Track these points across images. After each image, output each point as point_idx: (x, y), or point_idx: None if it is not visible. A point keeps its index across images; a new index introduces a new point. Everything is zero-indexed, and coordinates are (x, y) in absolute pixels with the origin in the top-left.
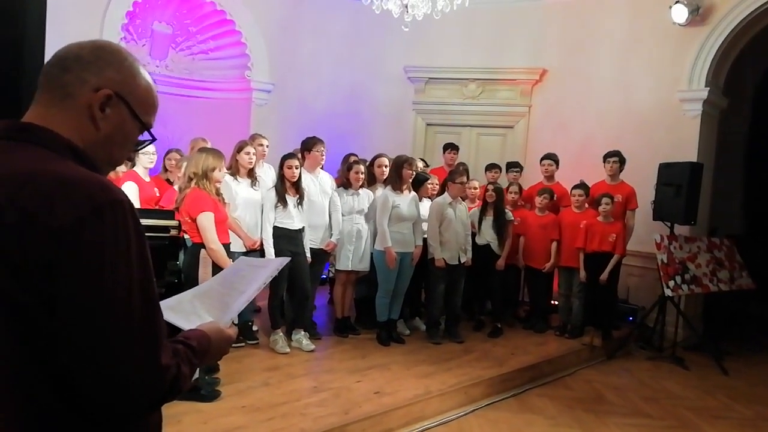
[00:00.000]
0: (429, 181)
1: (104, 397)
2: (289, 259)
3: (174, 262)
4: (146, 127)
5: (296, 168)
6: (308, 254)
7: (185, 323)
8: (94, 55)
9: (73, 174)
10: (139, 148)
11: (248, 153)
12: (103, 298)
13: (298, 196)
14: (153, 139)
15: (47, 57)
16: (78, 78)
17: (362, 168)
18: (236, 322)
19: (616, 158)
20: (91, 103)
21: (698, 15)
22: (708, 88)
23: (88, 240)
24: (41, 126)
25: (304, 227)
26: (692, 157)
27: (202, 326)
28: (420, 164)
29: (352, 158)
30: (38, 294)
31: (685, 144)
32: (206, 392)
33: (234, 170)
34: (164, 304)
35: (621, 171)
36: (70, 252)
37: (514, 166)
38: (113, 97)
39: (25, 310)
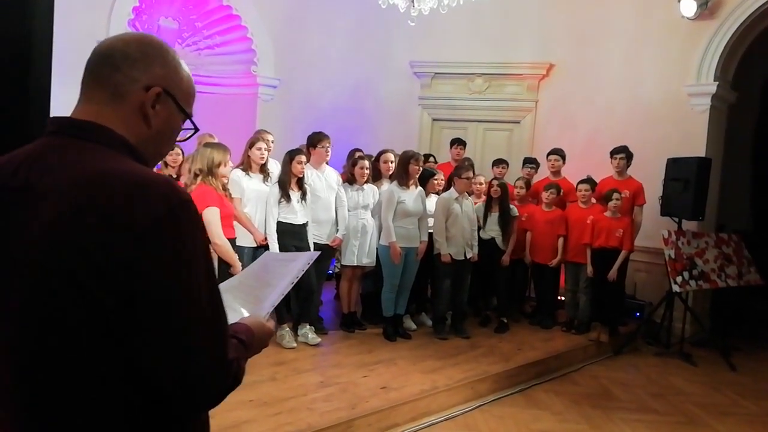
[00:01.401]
0: (435, 177)
1: (179, 390)
2: (319, 253)
3: None
4: (189, 117)
5: (304, 164)
6: (312, 249)
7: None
8: (141, 51)
9: (144, 174)
10: (185, 138)
11: (260, 149)
12: (182, 296)
13: (301, 191)
14: (196, 129)
15: (56, 53)
16: (128, 77)
17: (367, 163)
18: None
19: (622, 155)
20: (144, 101)
21: (707, 8)
22: (716, 83)
23: (166, 240)
24: (100, 124)
25: (307, 222)
26: (700, 152)
27: (245, 320)
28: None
29: (357, 154)
30: (117, 292)
31: (693, 139)
32: None
33: (246, 166)
34: None
35: (628, 166)
36: (149, 252)
37: (530, 161)
38: (162, 94)
39: (104, 308)
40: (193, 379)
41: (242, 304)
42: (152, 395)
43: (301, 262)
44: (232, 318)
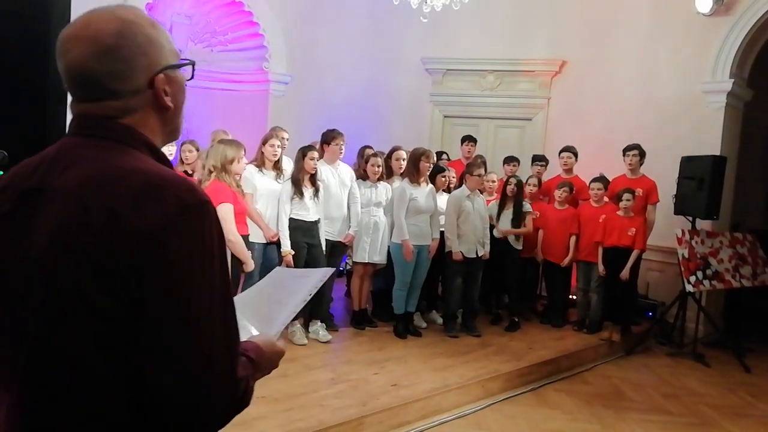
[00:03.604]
0: (442, 174)
1: (183, 407)
2: (333, 270)
3: None
4: (191, 63)
5: (317, 160)
6: (324, 246)
7: None
8: (117, 58)
9: (160, 174)
10: (189, 78)
11: (273, 145)
12: (191, 303)
13: (314, 188)
14: (192, 63)
15: None
16: (129, 92)
17: (379, 161)
18: None
19: (635, 151)
20: (155, 96)
21: (723, 4)
22: (732, 80)
23: (177, 242)
24: (121, 122)
25: (319, 219)
26: (715, 150)
27: (256, 338)
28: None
29: (368, 151)
30: (120, 297)
31: (708, 137)
32: None
33: (259, 162)
34: None
35: (641, 164)
36: (158, 254)
37: (539, 159)
38: (164, 76)
39: (107, 317)
40: (199, 395)
41: (252, 322)
42: (150, 414)
43: (314, 278)
44: (241, 336)
